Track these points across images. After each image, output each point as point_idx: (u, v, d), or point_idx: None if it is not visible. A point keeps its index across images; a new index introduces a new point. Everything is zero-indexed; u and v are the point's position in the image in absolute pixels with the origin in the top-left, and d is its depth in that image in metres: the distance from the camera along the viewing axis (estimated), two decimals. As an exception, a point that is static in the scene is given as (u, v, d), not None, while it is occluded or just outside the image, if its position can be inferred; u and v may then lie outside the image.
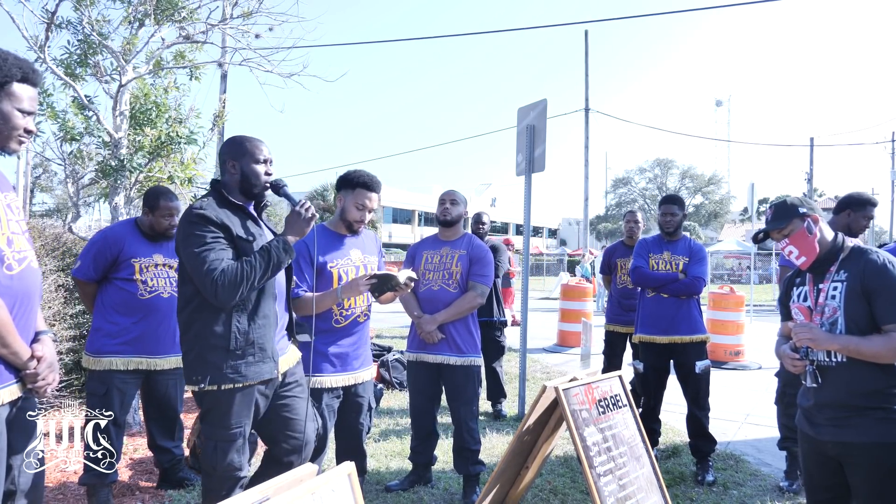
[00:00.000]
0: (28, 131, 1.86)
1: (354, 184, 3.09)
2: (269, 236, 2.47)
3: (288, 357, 2.52)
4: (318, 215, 2.47)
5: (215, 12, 5.72)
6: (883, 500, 2.10)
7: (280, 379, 2.46)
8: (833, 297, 2.22)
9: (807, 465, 2.38)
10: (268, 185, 2.44)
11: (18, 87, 1.81)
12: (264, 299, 2.35)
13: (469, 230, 5.82)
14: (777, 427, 4.09)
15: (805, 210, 2.30)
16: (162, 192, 3.48)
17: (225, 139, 2.51)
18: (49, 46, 4.87)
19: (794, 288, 2.43)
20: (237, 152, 2.41)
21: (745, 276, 32.50)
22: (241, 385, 2.28)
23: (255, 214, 2.50)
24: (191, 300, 2.31)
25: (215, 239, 2.24)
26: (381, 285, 2.84)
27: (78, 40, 5.21)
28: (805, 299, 2.34)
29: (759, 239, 2.54)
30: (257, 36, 6.06)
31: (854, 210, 3.61)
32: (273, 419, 2.47)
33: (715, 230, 52.46)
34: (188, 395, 5.43)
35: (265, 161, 2.43)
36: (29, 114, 1.85)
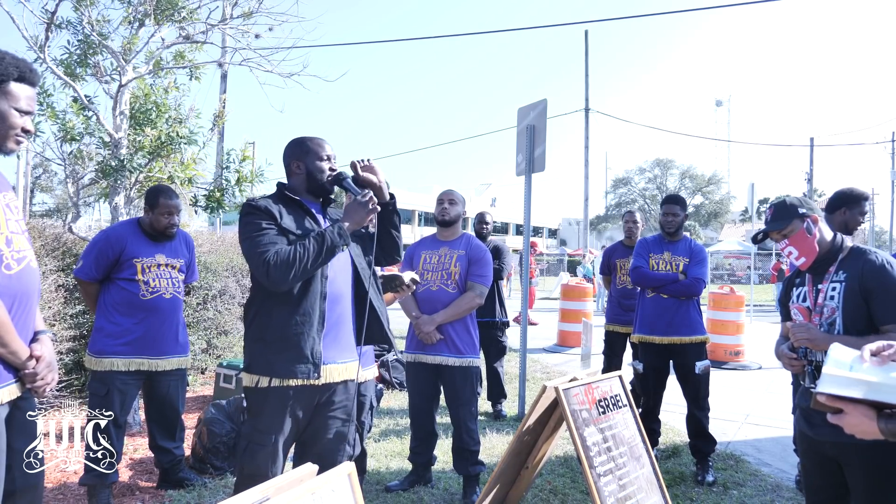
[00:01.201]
0: (26, 131, 1.86)
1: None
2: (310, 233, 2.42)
3: (340, 369, 2.39)
4: (378, 207, 2.42)
5: (215, 12, 5.72)
6: (880, 501, 2.10)
7: (325, 391, 2.36)
8: (832, 297, 2.21)
9: (806, 465, 2.38)
10: (331, 178, 2.44)
11: (15, 87, 1.81)
12: (307, 297, 2.29)
13: (472, 230, 5.82)
14: (776, 427, 4.09)
15: (805, 210, 2.29)
16: (162, 191, 3.48)
17: (288, 143, 2.50)
18: (49, 46, 4.86)
19: (794, 288, 2.42)
20: (301, 152, 2.42)
21: (745, 276, 32.50)
22: (276, 383, 2.25)
23: (319, 211, 2.47)
24: (255, 296, 2.36)
25: (269, 225, 2.26)
26: (385, 285, 2.86)
27: (78, 40, 5.20)
28: (804, 300, 2.34)
29: (758, 240, 2.53)
30: (257, 36, 6.05)
31: (849, 207, 3.59)
32: (306, 434, 2.42)
33: (715, 230, 52.42)
34: (190, 395, 5.45)
35: (328, 157, 2.44)
36: (26, 113, 1.85)
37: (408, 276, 2.87)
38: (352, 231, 2.35)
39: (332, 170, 2.44)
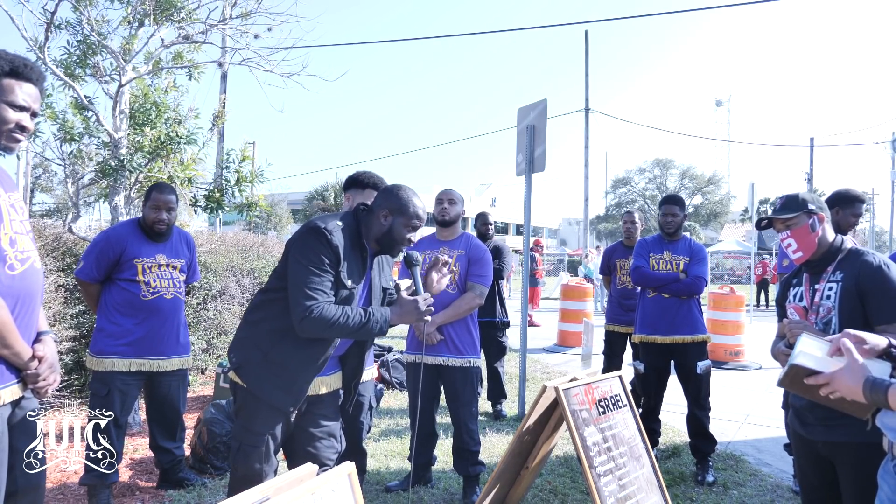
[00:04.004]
0: (22, 128, 1.82)
1: (364, 184, 3.09)
2: (366, 287, 2.41)
3: (328, 381, 2.46)
4: (430, 319, 2.37)
5: (214, 12, 5.72)
6: (870, 499, 2.10)
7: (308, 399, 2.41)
8: (828, 297, 2.23)
9: (800, 464, 2.40)
10: (403, 251, 2.41)
11: (7, 81, 1.78)
12: (322, 342, 2.30)
13: (475, 231, 5.82)
14: (776, 427, 4.09)
15: (814, 207, 2.31)
16: (156, 186, 3.49)
17: (390, 185, 2.43)
18: (48, 47, 4.87)
19: (791, 288, 2.44)
20: (397, 208, 2.34)
21: (745, 276, 32.49)
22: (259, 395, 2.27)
23: (371, 259, 2.43)
24: (272, 290, 2.31)
25: (331, 269, 2.20)
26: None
27: (77, 41, 5.20)
28: (801, 299, 2.35)
29: (761, 226, 2.54)
30: (256, 36, 6.06)
31: (842, 207, 3.58)
32: (296, 430, 2.44)
33: (715, 230, 52.38)
34: (190, 395, 5.45)
35: (415, 228, 2.39)
36: (22, 109, 1.81)
37: (404, 283, 2.89)
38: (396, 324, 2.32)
39: (410, 240, 2.39)
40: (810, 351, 1.66)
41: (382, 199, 2.37)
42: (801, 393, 1.79)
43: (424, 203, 2.43)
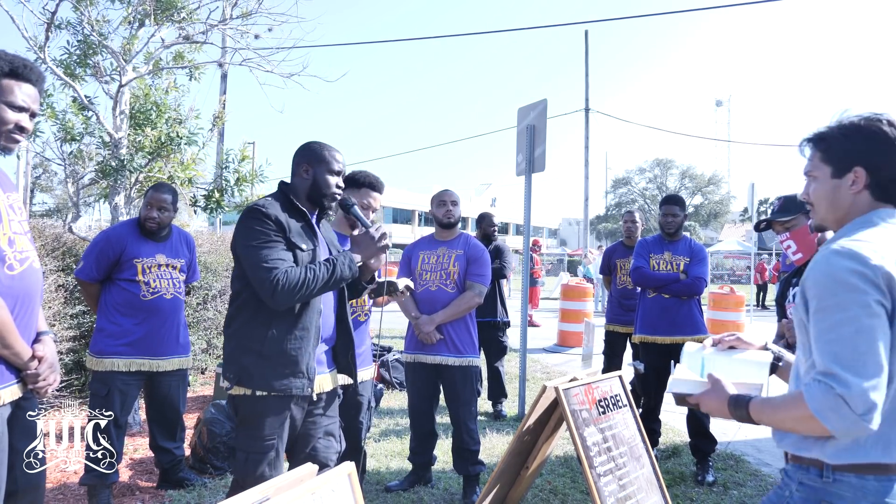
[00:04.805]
0: (21, 128, 1.82)
1: (360, 183, 3.09)
2: (324, 247, 2.42)
3: (325, 379, 2.44)
4: (390, 244, 2.40)
5: (215, 13, 5.72)
6: None
7: (314, 398, 2.38)
8: None
9: None
10: (337, 198, 2.42)
11: (7, 81, 1.79)
12: (307, 312, 2.28)
13: (480, 232, 5.82)
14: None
15: None
16: (156, 185, 3.51)
17: (303, 143, 2.47)
18: (49, 47, 4.87)
19: (790, 288, 2.44)
20: (313, 158, 2.38)
21: (745, 276, 32.48)
22: (272, 394, 2.23)
23: (315, 224, 2.43)
24: (238, 294, 2.30)
25: (277, 238, 2.20)
26: (380, 289, 2.85)
27: (77, 41, 5.21)
28: (801, 299, 2.35)
29: (760, 228, 2.54)
30: (256, 36, 6.05)
31: None
32: (297, 433, 2.41)
33: (715, 230, 52.37)
34: (190, 395, 5.45)
35: (338, 172, 2.40)
36: (22, 109, 1.82)
37: (402, 282, 2.87)
38: (359, 262, 2.33)
39: (339, 186, 2.40)
40: (684, 376, 1.66)
41: (297, 158, 2.42)
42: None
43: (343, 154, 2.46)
